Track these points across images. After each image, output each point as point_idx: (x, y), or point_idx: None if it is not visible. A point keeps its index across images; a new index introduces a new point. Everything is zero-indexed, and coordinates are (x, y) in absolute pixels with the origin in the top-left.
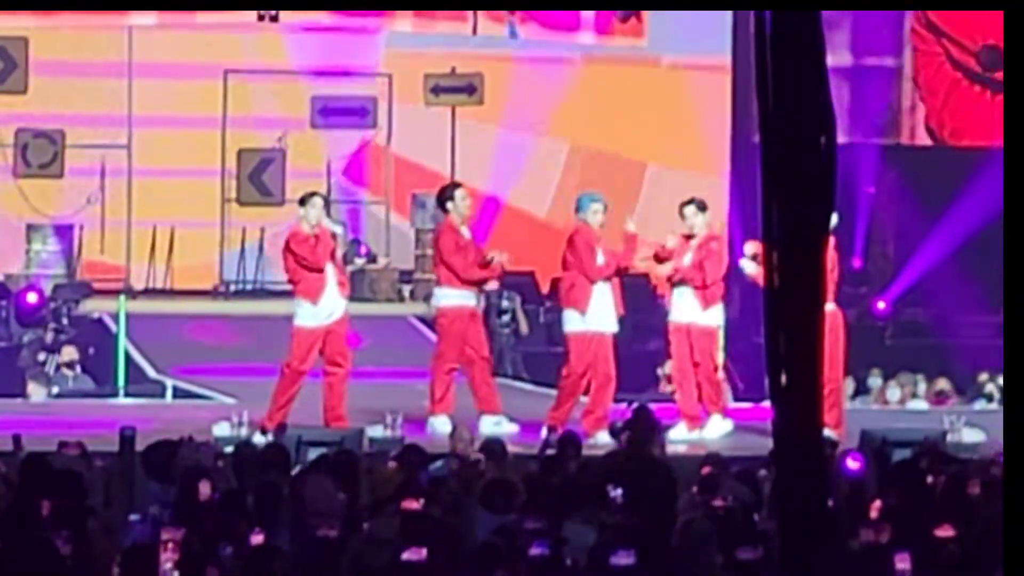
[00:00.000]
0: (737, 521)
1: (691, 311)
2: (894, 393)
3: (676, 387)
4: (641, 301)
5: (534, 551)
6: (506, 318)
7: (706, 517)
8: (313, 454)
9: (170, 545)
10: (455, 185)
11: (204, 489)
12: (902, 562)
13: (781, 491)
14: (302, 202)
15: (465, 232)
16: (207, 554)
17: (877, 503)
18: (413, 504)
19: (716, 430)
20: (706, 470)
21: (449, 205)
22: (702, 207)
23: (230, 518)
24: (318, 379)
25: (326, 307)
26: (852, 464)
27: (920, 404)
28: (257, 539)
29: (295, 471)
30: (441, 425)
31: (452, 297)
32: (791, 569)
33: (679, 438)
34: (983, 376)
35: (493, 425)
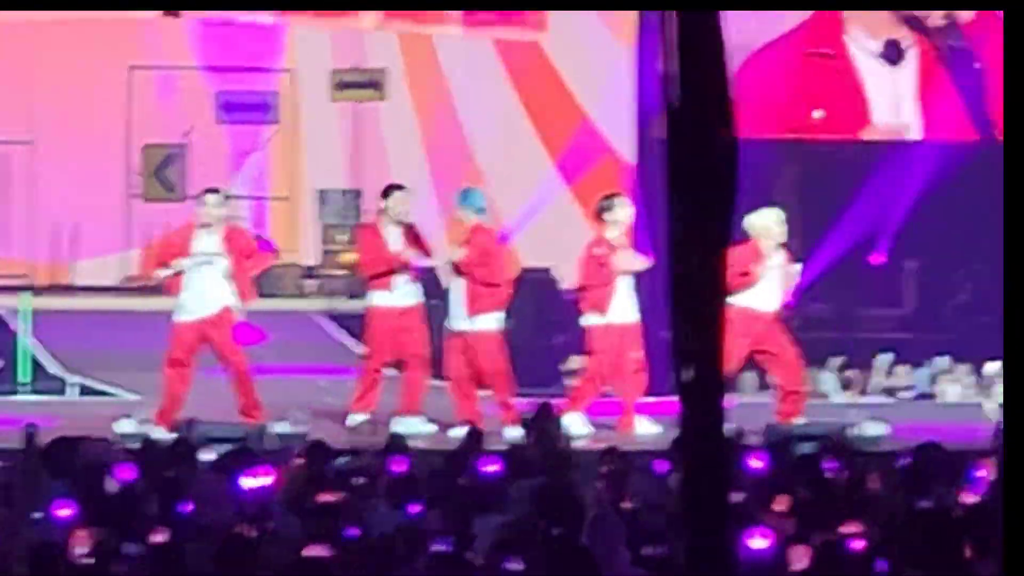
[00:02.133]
0: (644, 517)
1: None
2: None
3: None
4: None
5: (436, 547)
6: None
7: (615, 512)
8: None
9: (79, 541)
10: (396, 187)
11: (109, 485)
12: (801, 559)
13: (685, 486)
14: (201, 199)
15: (390, 232)
16: (112, 552)
17: (783, 498)
18: (327, 498)
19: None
20: (608, 467)
21: (386, 203)
22: None
23: (134, 515)
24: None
25: (199, 301)
26: (755, 463)
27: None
28: (160, 537)
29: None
30: (412, 425)
31: (371, 298)
32: (696, 564)
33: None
34: (883, 362)
35: (410, 426)
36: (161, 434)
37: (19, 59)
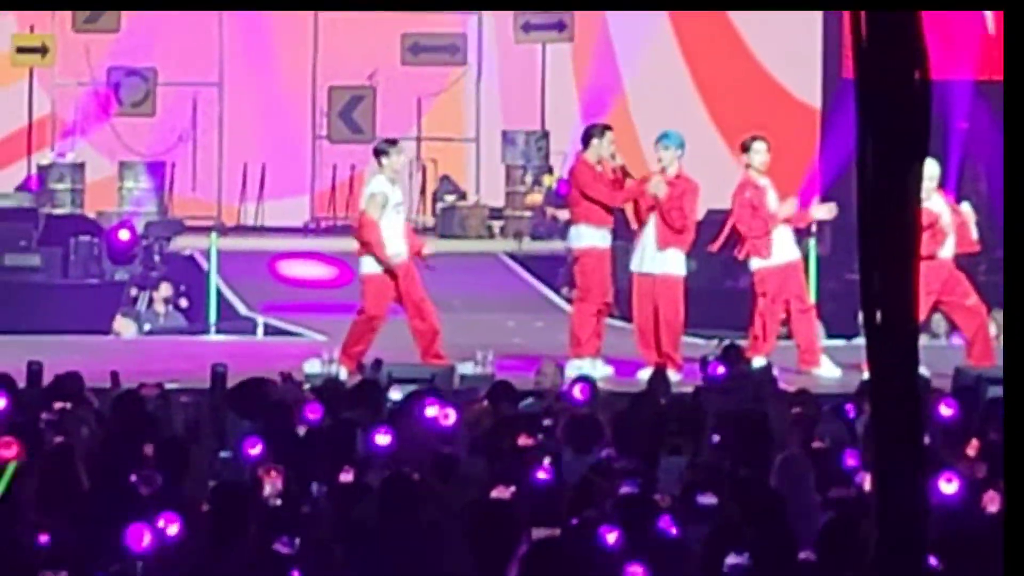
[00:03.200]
0: (832, 460)
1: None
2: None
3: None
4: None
5: (624, 490)
6: None
7: (804, 455)
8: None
9: (268, 480)
10: (605, 127)
11: (297, 425)
12: (992, 503)
13: (876, 429)
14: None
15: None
16: (300, 492)
17: (974, 442)
18: (513, 439)
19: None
20: (799, 409)
21: (594, 142)
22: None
23: (321, 456)
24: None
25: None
26: (945, 411)
27: None
28: (347, 477)
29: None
30: (586, 368)
31: (590, 238)
32: (887, 508)
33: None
34: None
35: (585, 367)
36: (347, 375)
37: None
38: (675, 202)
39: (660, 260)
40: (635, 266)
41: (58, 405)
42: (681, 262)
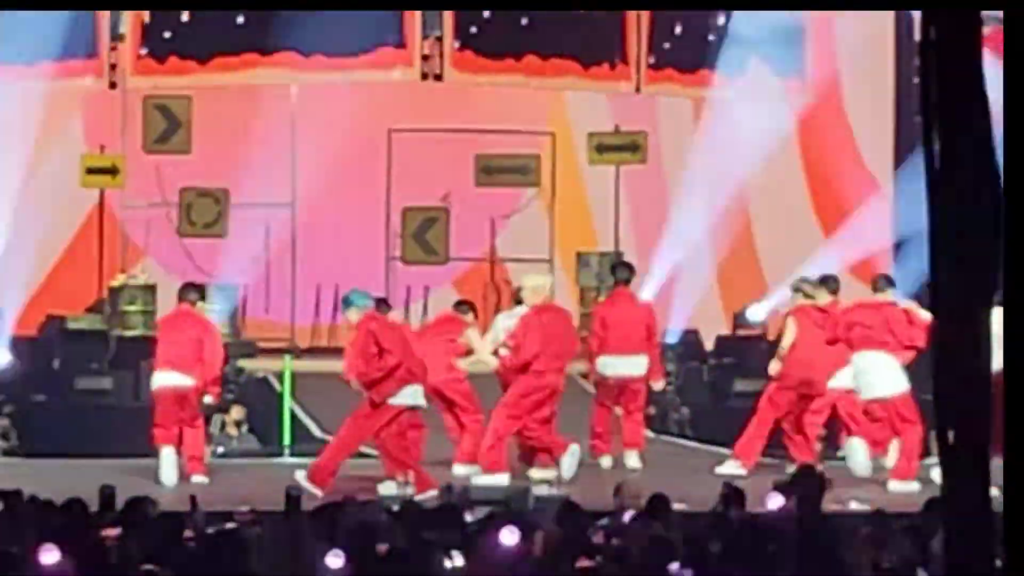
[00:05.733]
0: None
1: None
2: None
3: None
4: None
5: None
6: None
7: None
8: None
9: None
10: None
11: (378, 547)
12: None
13: (950, 550)
14: None
15: None
16: None
17: None
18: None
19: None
20: (869, 528)
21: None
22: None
23: None
24: None
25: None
26: None
27: None
28: None
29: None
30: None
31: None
32: None
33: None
34: None
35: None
36: (422, 496)
37: (281, 122)
38: None
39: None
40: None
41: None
42: None
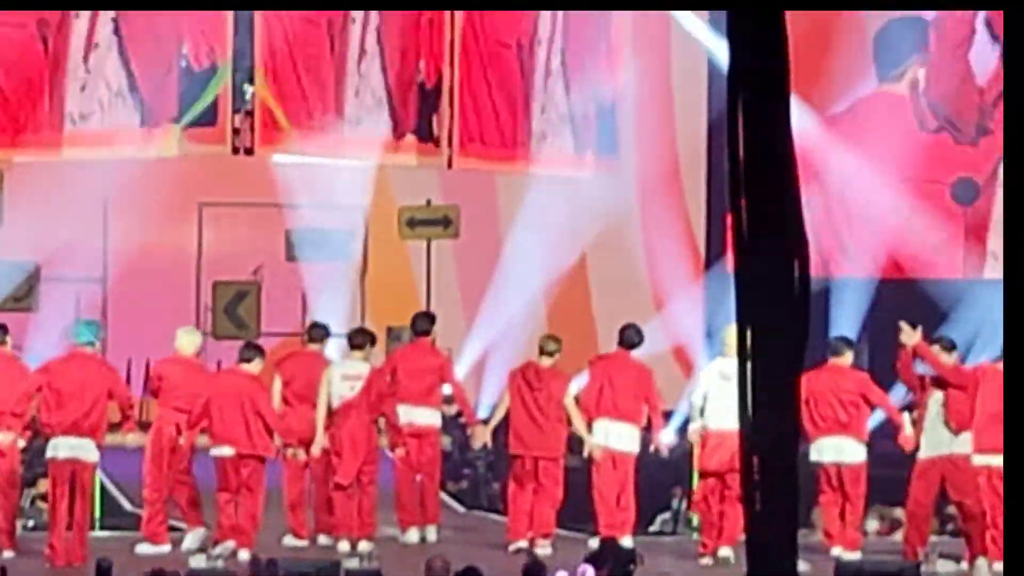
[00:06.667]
0: None
1: None
2: (871, 525)
3: None
4: None
5: None
6: None
7: None
8: None
9: None
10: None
11: None
12: None
13: None
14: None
15: None
16: None
17: None
18: None
19: None
20: None
21: None
22: None
23: None
24: None
25: None
26: None
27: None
28: None
29: None
30: None
31: None
32: None
33: None
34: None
35: None
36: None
37: (92, 197)
38: None
39: None
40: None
41: None
42: None
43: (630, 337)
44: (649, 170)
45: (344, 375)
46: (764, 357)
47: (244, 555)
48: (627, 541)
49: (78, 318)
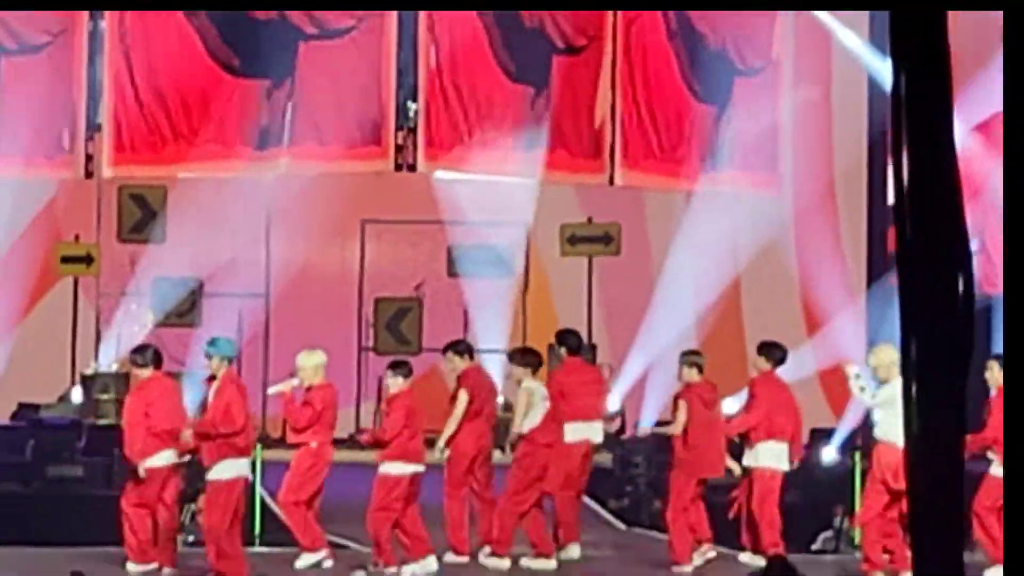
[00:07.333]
0: None
1: None
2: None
3: None
4: None
5: None
6: None
7: None
8: None
9: None
10: None
11: None
12: None
13: None
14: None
15: None
16: None
17: None
18: None
19: None
20: None
21: None
22: None
23: None
24: None
25: None
26: None
27: None
28: None
29: None
30: None
31: None
32: None
33: None
34: None
35: None
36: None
37: (254, 213)
38: None
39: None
40: None
41: None
42: None
43: (775, 354)
44: (806, 189)
45: (544, 396)
46: (930, 372)
47: None
48: None
49: (215, 337)
